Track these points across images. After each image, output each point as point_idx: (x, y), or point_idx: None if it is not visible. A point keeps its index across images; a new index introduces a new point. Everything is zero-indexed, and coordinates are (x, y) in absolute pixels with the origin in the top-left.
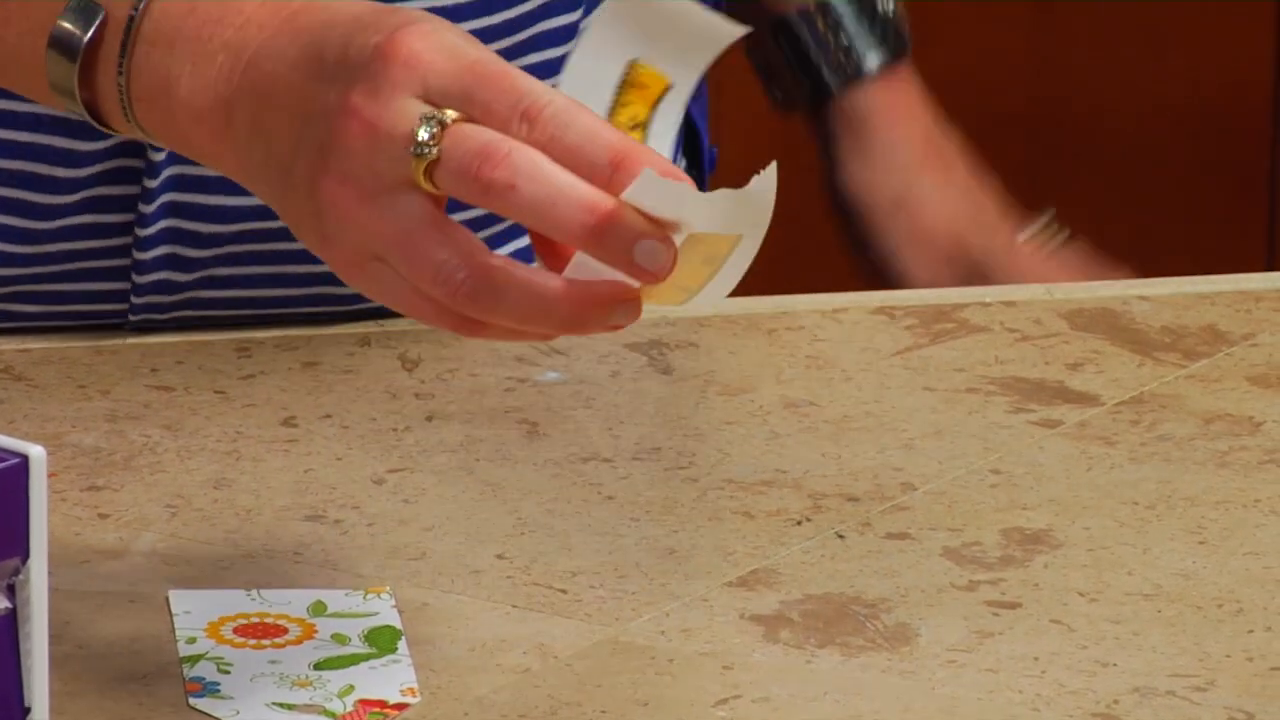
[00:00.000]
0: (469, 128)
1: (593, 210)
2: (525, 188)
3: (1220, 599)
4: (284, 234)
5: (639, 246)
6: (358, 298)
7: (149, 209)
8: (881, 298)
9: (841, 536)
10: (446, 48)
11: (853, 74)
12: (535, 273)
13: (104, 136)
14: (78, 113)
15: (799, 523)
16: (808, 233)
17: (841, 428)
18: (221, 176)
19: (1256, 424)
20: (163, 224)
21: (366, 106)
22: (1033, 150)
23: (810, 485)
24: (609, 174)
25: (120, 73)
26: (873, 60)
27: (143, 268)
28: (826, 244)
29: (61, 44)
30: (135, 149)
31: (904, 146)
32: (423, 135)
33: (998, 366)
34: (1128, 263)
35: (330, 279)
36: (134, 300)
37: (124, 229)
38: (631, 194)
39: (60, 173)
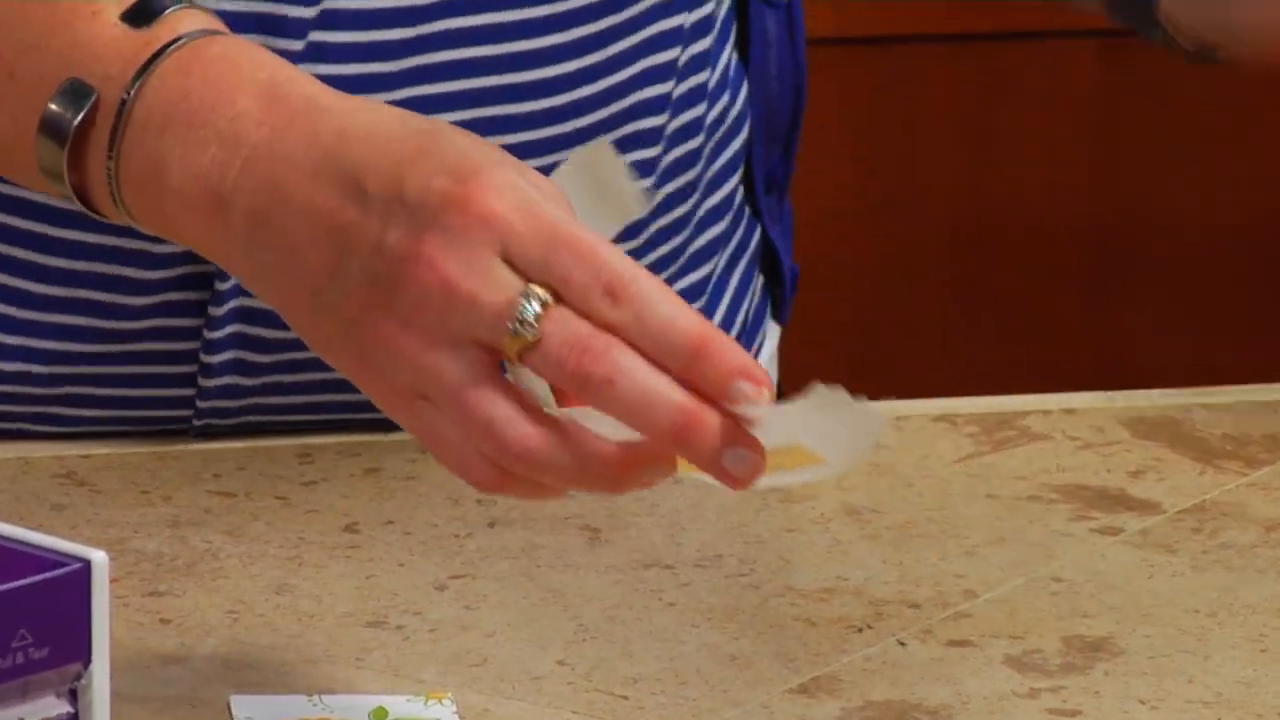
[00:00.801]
0: (569, 315)
1: (686, 414)
2: (622, 385)
3: None
4: None
5: (728, 454)
6: None
7: (219, 312)
8: (943, 405)
9: (903, 644)
10: (524, 206)
11: None
12: (587, 435)
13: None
14: (67, 197)
15: (860, 630)
16: (871, 341)
17: (903, 535)
18: None
19: None
20: (232, 328)
21: (445, 261)
22: (1097, 259)
23: (872, 592)
24: (688, 362)
25: (110, 156)
26: None
27: (210, 372)
28: (889, 352)
29: (52, 127)
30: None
31: None
32: (528, 314)
33: (1059, 474)
34: (1193, 370)
35: None
36: (199, 405)
37: (193, 333)
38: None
39: (132, 274)
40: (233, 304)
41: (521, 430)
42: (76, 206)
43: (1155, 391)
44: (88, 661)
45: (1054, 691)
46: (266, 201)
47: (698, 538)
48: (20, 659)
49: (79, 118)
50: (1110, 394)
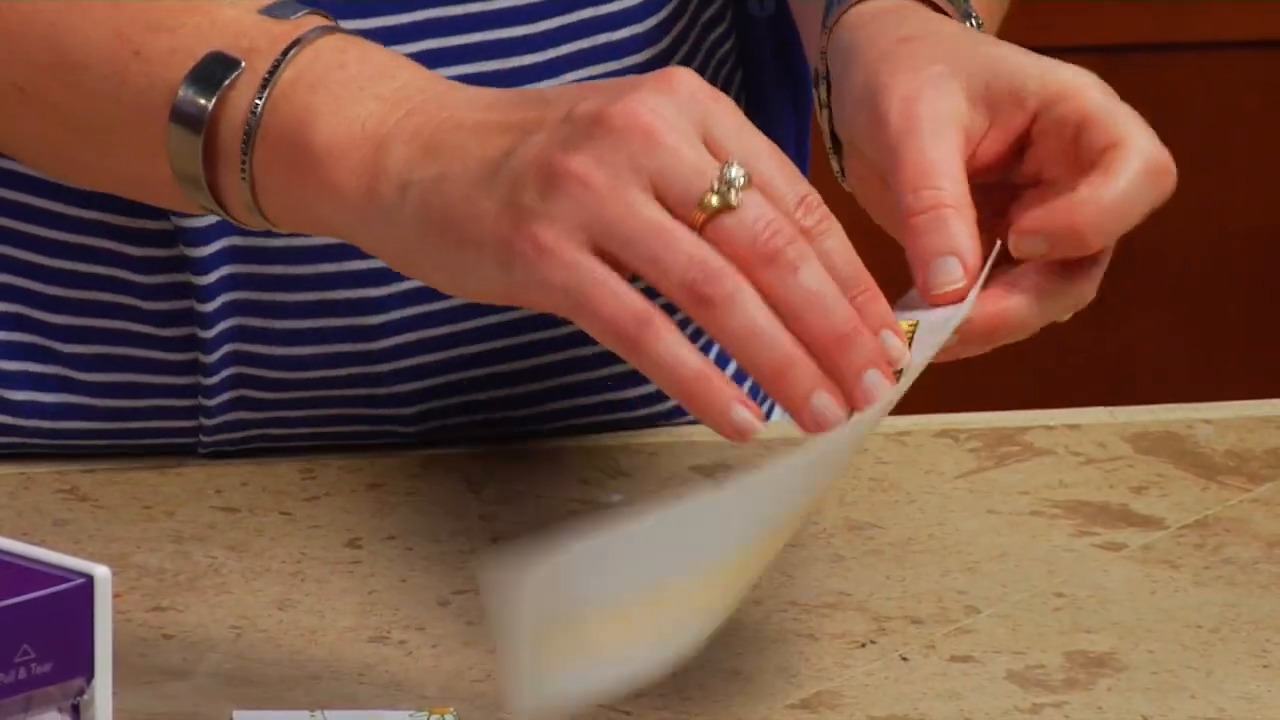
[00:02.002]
0: (767, 201)
1: (851, 325)
2: (805, 274)
3: None
4: (358, 380)
5: (867, 375)
6: (424, 433)
7: (211, 359)
8: (945, 421)
9: (905, 659)
10: (733, 108)
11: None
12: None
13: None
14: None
15: (863, 645)
16: None
17: (905, 550)
18: (285, 329)
19: None
20: (228, 372)
21: (649, 114)
22: (1106, 276)
23: (874, 607)
24: (855, 292)
25: (253, 112)
26: None
27: (210, 412)
28: None
29: (186, 107)
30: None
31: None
32: (735, 177)
33: (1062, 490)
34: (1196, 385)
35: (397, 419)
36: (203, 438)
37: (190, 367)
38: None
39: (129, 301)
40: (225, 349)
41: (725, 263)
42: (198, 200)
43: (1158, 407)
44: (90, 677)
45: (1057, 707)
46: (434, 131)
47: None
48: (23, 674)
49: (225, 81)
50: (1113, 409)
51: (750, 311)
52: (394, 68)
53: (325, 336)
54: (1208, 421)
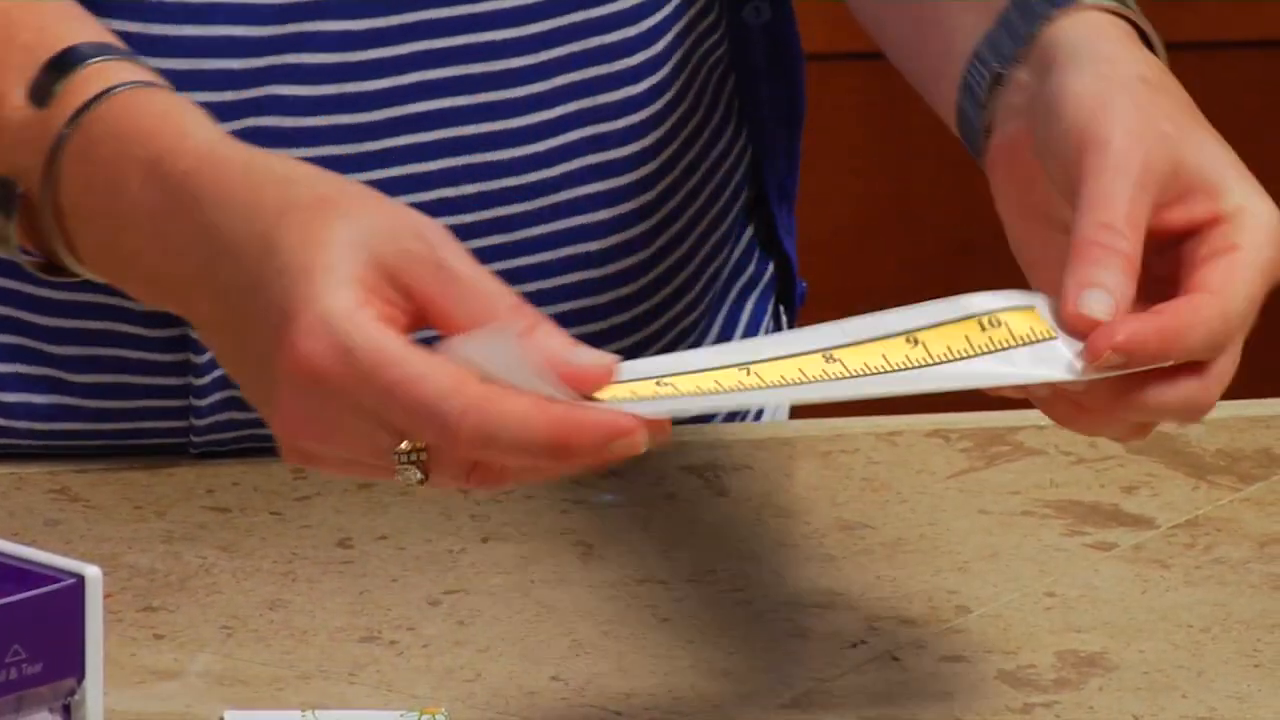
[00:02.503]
0: (442, 458)
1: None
2: (518, 480)
3: None
4: None
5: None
6: None
7: (203, 359)
8: (936, 421)
9: (896, 659)
10: (342, 359)
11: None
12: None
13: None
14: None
15: (854, 645)
16: None
17: (896, 550)
18: None
19: None
20: (219, 373)
21: (310, 434)
22: None
23: (865, 608)
24: (559, 456)
25: (47, 230)
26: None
27: (201, 413)
28: None
29: None
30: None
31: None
32: (410, 477)
33: (1053, 489)
34: None
35: None
36: (194, 439)
37: (182, 368)
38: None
39: (125, 304)
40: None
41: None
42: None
43: None
44: (81, 677)
45: (1048, 707)
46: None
47: (691, 553)
48: (14, 674)
49: (12, 217)
50: None
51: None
52: (124, 175)
53: None
54: (1199, 421)
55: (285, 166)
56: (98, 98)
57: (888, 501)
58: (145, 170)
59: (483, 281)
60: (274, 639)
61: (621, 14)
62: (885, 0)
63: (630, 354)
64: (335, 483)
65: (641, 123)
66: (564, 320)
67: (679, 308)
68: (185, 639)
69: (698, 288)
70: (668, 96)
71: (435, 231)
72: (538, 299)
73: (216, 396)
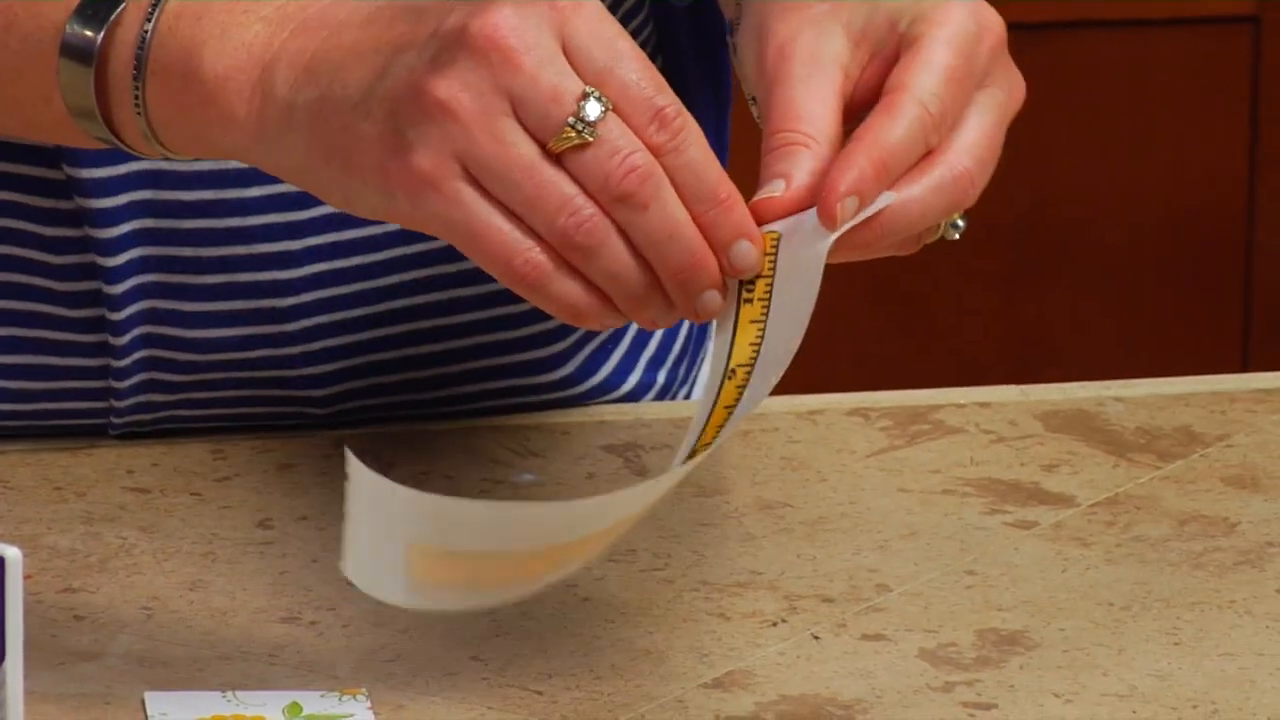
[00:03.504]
0: (622, 126)
1: (695, 257)
2: (654, 212)
3: (1195, 700)
4: (267, 362)
5: (704, 295)
6: (335, 415)
7: (121, 341)
8: (856, 399)
9: (817, 638)
10: (597, 11)
11: None
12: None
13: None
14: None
15: (774, 624)
16: None
17: (816, 529)
18: (195, 311)
19: (1231, 525)
20: (138, 355)
21: (513, 32)
22: (1018, 256)
23: (785, 586)
24: (709, 207)
25: (140, 45)
26: None
27: (121, 394)
28: (805, 347)
29: (75, 41)
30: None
31: None
32: (589, 114)
33: (973, 468)
34: (1107, 363)
35: (308, 400)
36: (114, 420)
37: (101, 349)
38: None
39: (40, 282)
40: (136, 332)
41: (592, 209)
42: (95, 133)
43: (1069, 385)
44: (1, 658)
45: (969, 685)
46: (315, 51)
47: None
48: None
49: (111, 16)
50: (1024, 387)
51: (613, 255)
52: None
53: (235, 319)
54: (1118, 400)
55: None
56: None
57: (808, 480)
58: None
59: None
60: (194, 620)
61: None
62: None
63: (552, 337)
64: (255, 463)
65: None
66: (479, 302)
67: None
68: (105, 620)
69: None
70: None
71: None
72: (453, 280)
73: (136, 378)
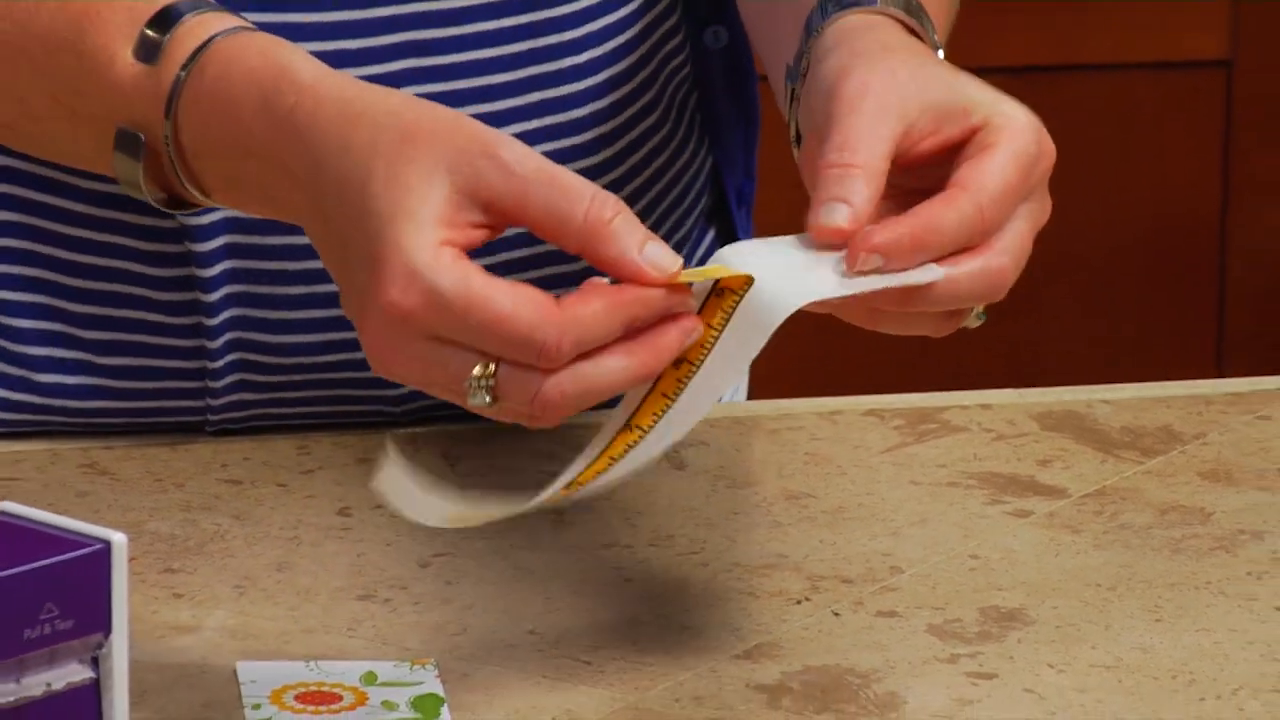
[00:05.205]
0: (514, 379)
1: (636, 377)
2: (580, 406)
3: (1174, 670)
4: (345, 365)
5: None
6: (408, 413)
7: (216, 344)
8: (872, 402)
9: (837, 614)
10: (428, 297)
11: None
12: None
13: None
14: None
15: (799, 602)
16: (814, 344)
17: (836, 517)
18: (280, 319)
19: (1207, 514)
20: (231, 358)
21: (395, 359)
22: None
23: (809, 568)
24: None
25: (179, 179)
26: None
27: (216, 394)
28: (829, 353)
29: (123, 166)
30: (193, 283)
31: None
32: (479, 401)
33: (975, 463)
34: (1095, 369)
35: (383, 400)
36: (210, 418)
37: (197, 353)
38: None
39: (144, 293)
40: (227, 336)
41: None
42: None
43: (1061, 389)
44: (108, 632)
45: (972, 656)
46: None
47: (652, 521)
48: (48, 630)
49: (139, 162)
50: (1021, 391)
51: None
52: (237, 114)
53: (316, 326)
54: (1106, 402)
55: (374, 103)
56: (202, 47)
57: (829, 474)
58: (255, 106)
59: (557, 176)
60: (281, 597)
61: (589, 36)
62: (753, 21)
63: None
64: (336, 457)
65: (610, 132)
66: None
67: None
68: (202, 598)
69: None
70: (633, 109)
71: (505, 144)
72: None
73: (230, 379)
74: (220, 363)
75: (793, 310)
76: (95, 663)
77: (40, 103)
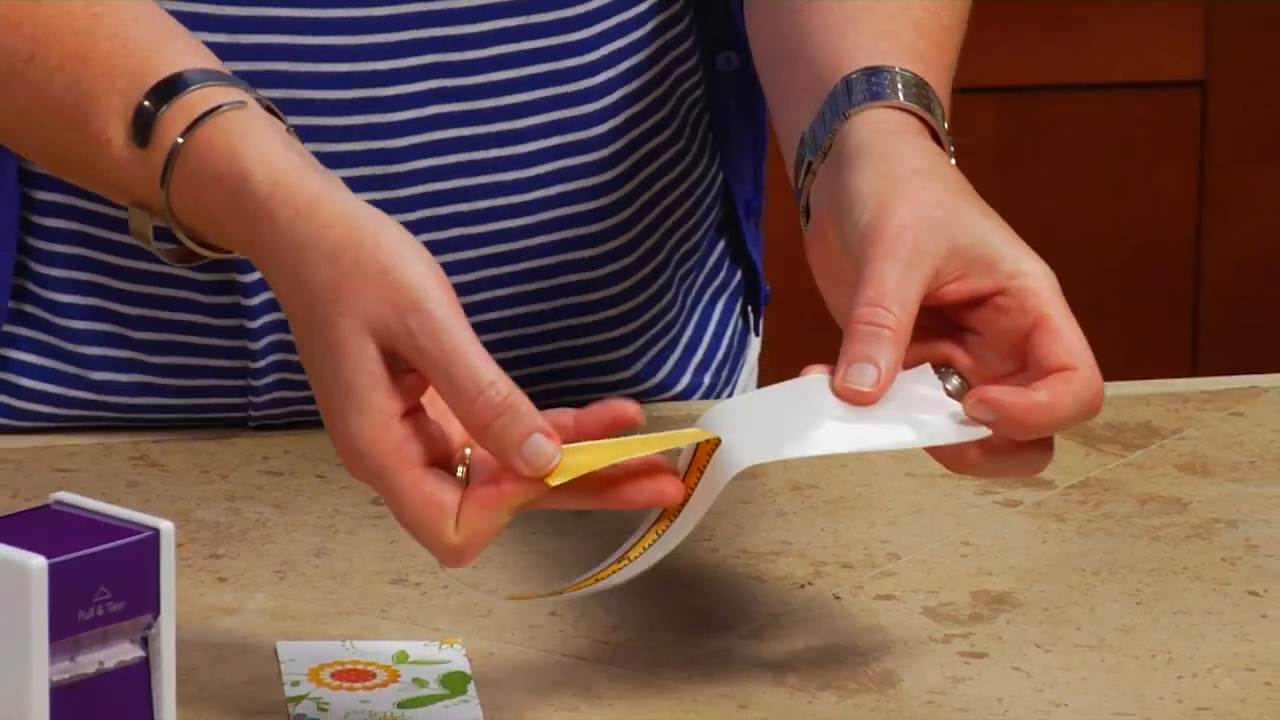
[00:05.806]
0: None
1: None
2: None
3: (1154, 650)
4: None
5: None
6: None
7: (258, 346)
8: None
9: (838, 597)
10: (376, 477)
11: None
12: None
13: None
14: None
15: (802, 586)
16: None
17: (838, 506)
18: None
19: (1184, 504)
20: (272, 358)
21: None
22: None
23: (812, 554)
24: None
25: (175, 224)
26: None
27: (258, 391)
28: (825, 354)
29: (138, 231)
30: (234, 288)
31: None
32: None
33: None
34: None
35: None
36: (252, 413)
37: (239, 352)
38: None
39: (185, 295)
40: (270, 338)
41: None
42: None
43: None
44: (157, 613)
45: (964, 637)
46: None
47: None
48: (100, 611)
49: (152, 230)
50: None
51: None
52: (214, 206)
53: None
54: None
55: (314, 236)
56: (187, 131)
57: (830, 466)
58: (225, 209)
59: (452, 367)
60: (318, 581)
61: (598, 62)
62: (765, 66)
63: (620, 343)
64: None
65: (624, 148)
66: (560, 313)
67: (658, 308)
68: (244, 581)
69: (673, 293)
70: (647, 126)
71: (434, 299)
72: (538, 296)
73: (270, 378)
74: (262, 363)
75: (742, 469)
76: (145, 642)
77: (61, 169)
